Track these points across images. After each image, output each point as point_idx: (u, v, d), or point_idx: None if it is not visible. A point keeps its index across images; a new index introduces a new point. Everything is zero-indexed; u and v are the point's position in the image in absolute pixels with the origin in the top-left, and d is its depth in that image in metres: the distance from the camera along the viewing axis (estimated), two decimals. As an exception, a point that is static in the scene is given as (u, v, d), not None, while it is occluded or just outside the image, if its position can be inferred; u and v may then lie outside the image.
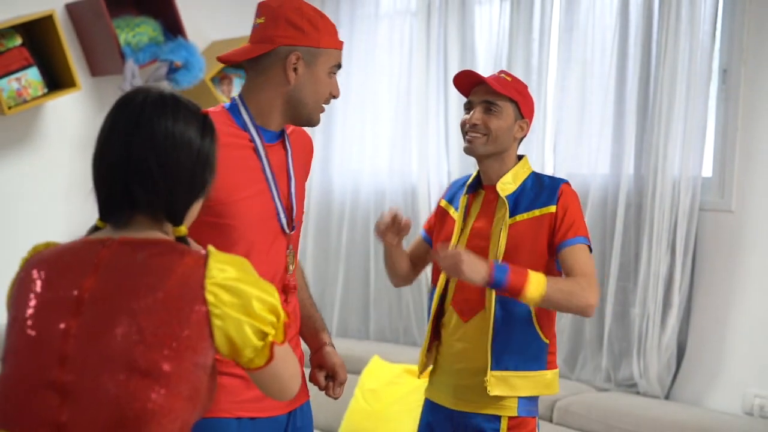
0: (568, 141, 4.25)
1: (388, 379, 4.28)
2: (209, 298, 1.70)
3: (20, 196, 4.68)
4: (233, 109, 2.41)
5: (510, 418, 2.77)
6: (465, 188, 2.89)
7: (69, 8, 4.67)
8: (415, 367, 4.29)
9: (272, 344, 1.77)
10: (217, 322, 1.71)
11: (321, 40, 2.37)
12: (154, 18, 4.73)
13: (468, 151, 2.83)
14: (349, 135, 5.13)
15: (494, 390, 2.73)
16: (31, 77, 4.40)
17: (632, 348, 4.03)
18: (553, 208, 2.74)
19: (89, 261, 1.74)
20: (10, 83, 4.33)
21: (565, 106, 4.27)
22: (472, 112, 2.82)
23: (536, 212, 2.76)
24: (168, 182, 1.77)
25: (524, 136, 2.88)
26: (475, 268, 2.56)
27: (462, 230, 2.85)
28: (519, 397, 2.77)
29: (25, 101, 4.38)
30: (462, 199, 2.88)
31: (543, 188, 2.79)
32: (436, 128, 4.70)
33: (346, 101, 5.10)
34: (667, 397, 4.00)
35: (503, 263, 2.62)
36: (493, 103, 2.79)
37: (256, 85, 2.40)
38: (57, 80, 4.52)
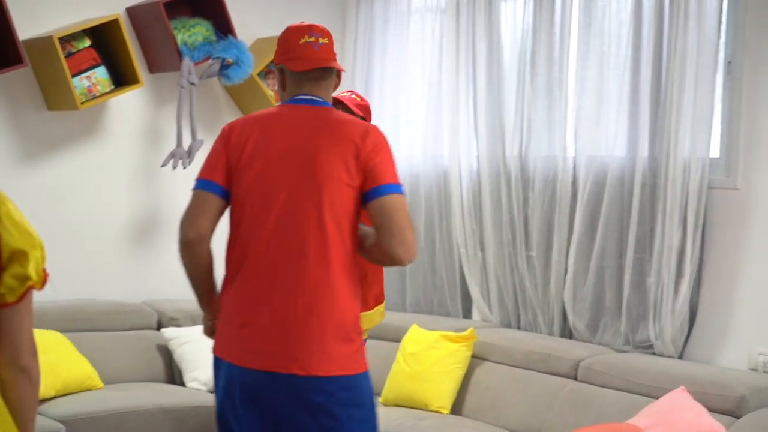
0: (588, 126, 4.63)
1: (427, 344, 4.70)
2: None
3: (89, 183, 5.13)
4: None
5: None
6: None
7: (129, 11, 5.10)
8: (451, 333, 4.73)
9: (31, 288, 1.88)
10: None
11: None
12: (206, 19, 5.15)
13: None
14: (385, 123, 5.53)
15: None
16: (100, 75, 4.84)
17: (648, 313, 4.43)
18: None
19: None
20: (82, 81, 4.77)
21: (584, 95, 4.66)
22: None
23: None
24: None
25: None
26: None
27: None
28: None
29: (95, 97, 4.82)
30: None
31: None
32: (466, 116, 5.10)
33: (381, 92, 5.53)
34: (680, 357, 4.39)
35: None
36: None
37: (330, 90, 2.97)
38: (121, 77, 4.96)
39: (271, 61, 5.33)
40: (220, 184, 2.83)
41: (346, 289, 2.75)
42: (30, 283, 1.87)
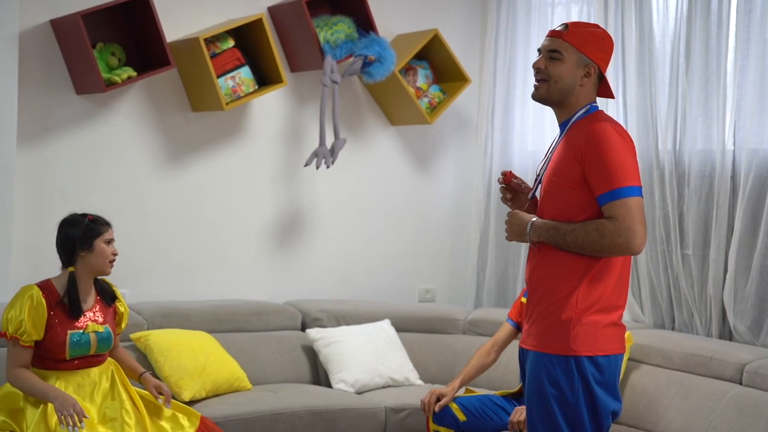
0: (750, 118, 4.42)
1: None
2: None
3: (233, 184, 5.13)
4: None
5: None
6: None
7: (271, 11, 5.08)
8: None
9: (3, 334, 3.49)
10: None
11: None
12: (347, 16, 5.09)
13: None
14: (527, 119, 5.42)
15: None
16: (244, 75, 4.82)
17: (817, 314, 4.20)
18: None
19: None
20: (227, 81, 4.76)
21: (744, 85, 4.44)
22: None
23: None
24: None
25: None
26: None
27: None
28: None
29: (240, 97, 4.80)
30: None
31: None
32: (615, 109, 4.92)
33: (524, 85, 5.40)
34: None
35: None
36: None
37: None
38: (264, 77, 4.94)
39: (413, 57, 5.31)
40: None
41: None
42: None
